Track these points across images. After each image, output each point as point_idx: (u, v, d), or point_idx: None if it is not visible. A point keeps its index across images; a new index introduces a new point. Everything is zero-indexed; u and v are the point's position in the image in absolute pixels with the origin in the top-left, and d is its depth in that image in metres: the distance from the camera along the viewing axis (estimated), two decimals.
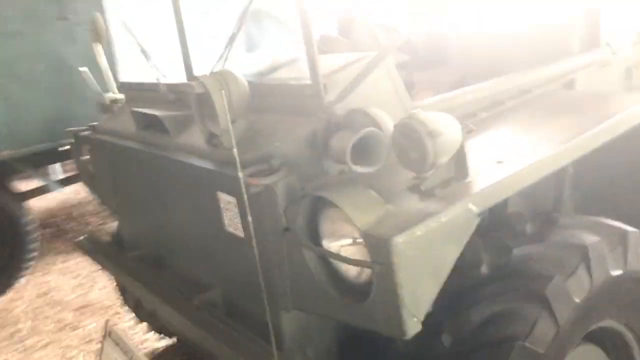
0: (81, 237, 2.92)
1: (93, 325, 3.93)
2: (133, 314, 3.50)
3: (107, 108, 2.90)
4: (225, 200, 1.80)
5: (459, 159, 1.44)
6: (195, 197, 1.97)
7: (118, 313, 4.06)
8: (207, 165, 1.82)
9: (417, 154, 1.37)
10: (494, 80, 2.01)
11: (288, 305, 1.69)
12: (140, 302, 3.16)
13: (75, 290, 4.51)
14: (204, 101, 1.75)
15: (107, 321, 2.32)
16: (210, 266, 2.06)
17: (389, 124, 1.49)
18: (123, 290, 3.27)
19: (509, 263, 1.65)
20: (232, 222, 1.81)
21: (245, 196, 1.50)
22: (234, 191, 1.73)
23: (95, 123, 2.83)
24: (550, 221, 1.77)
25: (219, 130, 1.75)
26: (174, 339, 3.52)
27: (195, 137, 1.99)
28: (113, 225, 3.17)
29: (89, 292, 4.45)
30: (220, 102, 1.67)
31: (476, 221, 1.39)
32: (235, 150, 1.44)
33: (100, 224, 5.93)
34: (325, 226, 1.50)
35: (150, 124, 2.22)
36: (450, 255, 1.37)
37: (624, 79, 2.44)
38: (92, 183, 3.02)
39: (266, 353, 1.69)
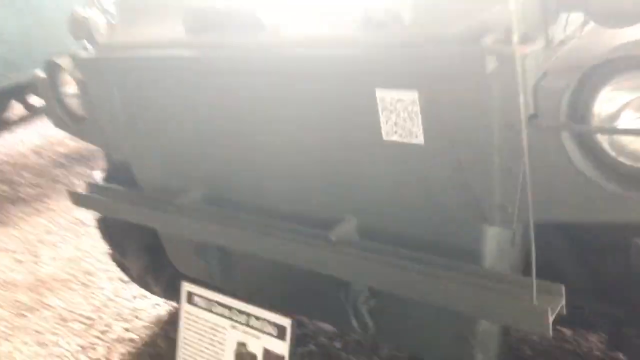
0: (79, 190, 2.32)
1: (61, 303, 3.30)
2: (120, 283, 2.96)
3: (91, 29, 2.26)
4: (392, 98, 1.38)
5: None
6: (325, 104, 1.52)
7: (86, 285, 3.45)
8: (363, 54, 1.38)
9: None
10: None
11: (507, 218, 1.34)
12: (150, 268, 2.64)
13: (17, 268, 3.79)
14: None
15: (183, 284, 1.82)
16: (338, 193, 1.63)
17: None
18: (122, 255, 2.70)
19: None
20: (398, 127, 1.41)
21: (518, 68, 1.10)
22: (416, 82, 1.33)
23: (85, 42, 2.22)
24: None
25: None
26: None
27: (316, 26, 1.54)
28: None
29: (36, 268, 3.75)
30: None
31: None
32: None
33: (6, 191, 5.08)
34: (610, 102, 1.16)
35: (216, 23, 1.70)
36: None
37: None
38: (79, 126, 2.41)
39: (471, 276, 1.35)
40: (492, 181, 1.31)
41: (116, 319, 3.06)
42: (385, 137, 1.45)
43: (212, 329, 1.71)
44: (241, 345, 1.65)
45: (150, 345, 2.82)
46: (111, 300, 3.25)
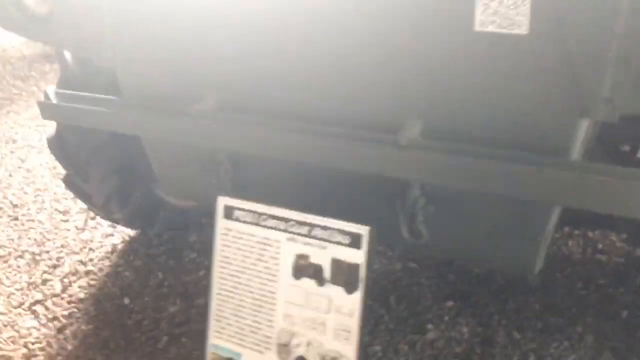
0: (50, 101, 2.00)
1: None
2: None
3: None
4: None
5: None
6: None
7: (16, 218, 3.08)
8: None
9: None
10: None
11: (611, 111, 1.32)
12: (116, 193, 2.39)
13: None
14: None
15: (219, 198, 1.64)
16: (400, 93, 1.52)
17: None
18: (83, 180, 2.40)
19: None
20: (498, 15, 1.33)
21: None
22: None
23: None
24: None
25: None
26: (132, 232, 2.82)
27: None
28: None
29: None
30: None
31: None
32: None
33: None
34: None
35: None
36: None
37: None
38: (40, 26, 2.06)
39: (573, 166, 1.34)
40: (604, 72, 1.28)
41: (65, 253, 2.77)
42: (477, 28, 1.36)
43: (262, 243, 1.57)
44: (301, 257, 1.52)
45: (115, 277, 2.59)
46: (52, 233, 2.93)
